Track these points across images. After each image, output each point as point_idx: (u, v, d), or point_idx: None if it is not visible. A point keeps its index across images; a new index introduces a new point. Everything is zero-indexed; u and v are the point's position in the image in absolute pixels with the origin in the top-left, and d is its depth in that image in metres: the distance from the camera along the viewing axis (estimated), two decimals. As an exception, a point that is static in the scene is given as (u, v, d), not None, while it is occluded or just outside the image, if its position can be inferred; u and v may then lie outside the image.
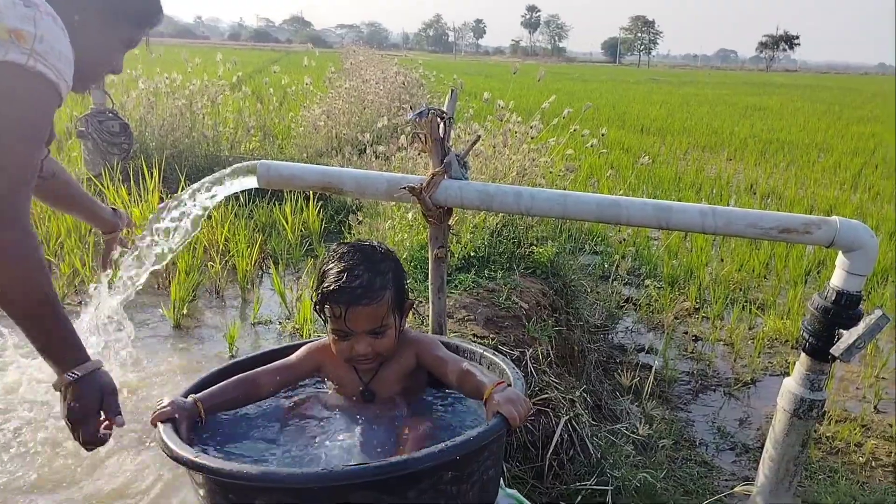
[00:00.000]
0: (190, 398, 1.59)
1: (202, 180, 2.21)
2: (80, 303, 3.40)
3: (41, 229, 4.02)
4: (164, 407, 1.51)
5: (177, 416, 1.50)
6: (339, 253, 1.69)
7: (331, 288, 1.61)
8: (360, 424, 1.56)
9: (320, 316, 1.70)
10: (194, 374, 2.55)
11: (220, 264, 3.72)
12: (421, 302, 2.89)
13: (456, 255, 3.46)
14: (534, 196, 2.10)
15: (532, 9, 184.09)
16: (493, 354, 1.74)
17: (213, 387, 1.67)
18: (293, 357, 1.80)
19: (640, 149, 11.41)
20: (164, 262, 2.35)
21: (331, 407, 1.68)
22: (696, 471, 2.93)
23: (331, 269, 1.66)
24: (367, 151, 5.06)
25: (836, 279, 1.82)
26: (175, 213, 2.30)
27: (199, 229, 2.21)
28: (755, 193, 8.62)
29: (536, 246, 3.74)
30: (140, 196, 4.36)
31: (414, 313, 1.88)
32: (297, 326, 3.16)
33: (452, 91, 2.39)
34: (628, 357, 4.06)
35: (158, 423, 1.47)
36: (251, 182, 2.23)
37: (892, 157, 11.88)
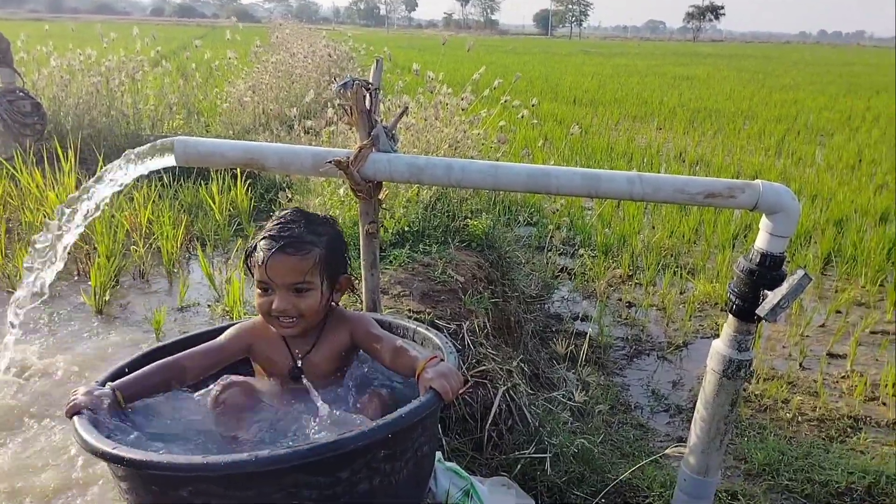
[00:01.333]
0: (107, 386, 1.51)
1: (115, 162, 2.09)
2: (-6, 292, 3.24)
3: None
4: (77, 398, 1.44)
5: (93, 406, 1.43)
6: (281, 212, 1.71)
7: (260, 237, 1.63)
8: (289, 406, 1.52)
9: (248, 271, 1.68)
10: (117, 360, 2.46)
11: (143, 247, 3.58)
12: (356, 279, 2.84)
13: (389, 231, 3.41)
14: (464, 168, 2.06)
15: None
16: (427, 329, 1.71)
17: (135, 373, 1.60)
18: (221, 338, 1.74)
19: (573, 120, 11.51)
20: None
21: (258, 391, 1.62)
22: (631, 434, 2.98)
23: (268, 224, 1.68)
24: (296, 127, 4.94)
25: (760, 241, 1.85)
26: (89, 202, 2.17)
27: (100, 211, 2.08)
28: (684, 161, 8.81)
29: (471, 219, 3.72)
30: (56, 179, 4.16)
31: (349, 291, 1.83)
32: (227, 309, 3.07)
33: (378, 60, 2.33)
34: (564, 325, 4.10)
35: (73, 416, 1.39)
36: (169, 161, 2.13)
37: (812, 123, 12.31)
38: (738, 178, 7.64)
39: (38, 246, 2.05)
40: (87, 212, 2.01)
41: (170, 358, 1.67)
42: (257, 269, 1.62)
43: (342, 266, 1.74)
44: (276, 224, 1.65)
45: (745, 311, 1.88)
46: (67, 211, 2.00)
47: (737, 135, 11.04)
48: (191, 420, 1.57)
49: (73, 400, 1.44)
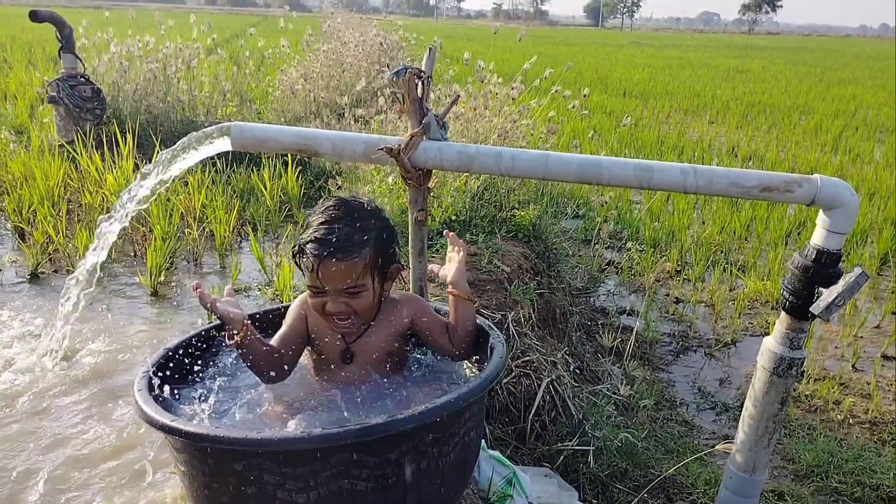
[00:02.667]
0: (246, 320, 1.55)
1: (174, 145, 2.15)
2: (55, 271, 3.35)
3: (13, 196, 3.94)
4: (219, 303, 1.51)
5: (222, 313, 1.50)
6: (325, 206, 1.65)
7: (306, 240, 1.58)
8: (338, 389, 1.54)
9: (298, 268, 1.66)
10: (171, 340, 2.53)
11: (197, 231, 3.66)
12: (405, 267, 2.86)
13: (437, 219, 3.42)
14: (514, 157, 2.06)
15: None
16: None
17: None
18: (290, 324, 1.71)
19: (623, 112, 11.36)
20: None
21: (310, 384, 1.64)
22: (676, 430, 2.95)
23: (313, 220, 1.63)
24: (346, 115, 4.99)
25: (817, 237, 1.81)
26: (150, 182, 2.24)
27: (156, 194, 2.15)
28: (737, 156, 8.63)
29: (518, 209, 3.71)
30: (114, 162, 4.27)
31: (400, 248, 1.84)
32: (277, 292, 3.13)
33: (430, 49, 2.33)
34: (610, 319, 4.07)
35: (135, 390, 1.44)
36: (225, 145, 2.17)
37: (872, 120, 11.93)
38: (792, 173, 7.45)
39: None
40: (150, 192, 2.08)
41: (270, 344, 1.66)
42: (307, 274, 1.61)
43: (392, 257, 1.71)
44: (322, 223, 1.60)
45: (799, 309, 1.85)
46: (137, 187, 2.08)
47: (792, 130, 10.76)
48: (245, 405, 1.60)
49: (214, 300, 1.50)
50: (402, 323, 1.70)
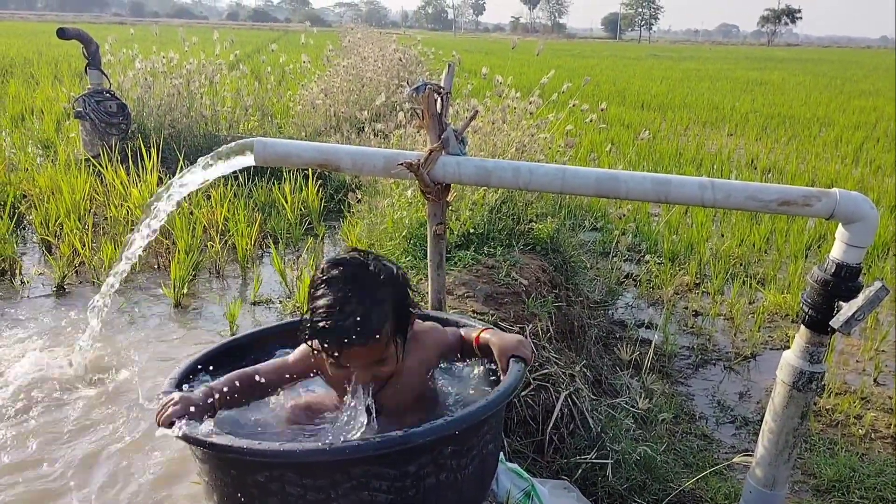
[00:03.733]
0: (200, 392, 1.48)
1: (199, 160, 2.20)
2: (81, 283, 3.41)
3: (40, 210, 4.02)
4: (170, 409, 1.40)
5: (186, 415, 1.39)
6: (330, 277, 1.46)
7: (320, 326, 1.40)
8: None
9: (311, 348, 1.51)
10: (194, 350, 2.57)
11: (219, 244, 3.71)
12: (421, 279, 2.89)
13: (455, 232, 3.45)
14: (532, 171, 2.09)
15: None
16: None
17: (221, 382, 1.55)
18: (291, 358, 1.66)
19: (641, 125, 11.35)
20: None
21: (325, 409, 1.60)
22: (695, 444, 2.94)
23: (320, 297, 1.44)
24: (366, 129, 5.04)
25: (836, 251, 1.81)
26: (174, 194, 2.29)
27: (179, 206, 2.19)
28: (756, 168, 8.58)
29: (536, 222, 3.73)
30: (139, 176, 4.35)
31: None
32: (297, 305, 3.16)
33: (450, 66, 2.37)
34: (628, 332, 4.06)
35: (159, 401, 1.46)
36: (248, 160, 2.22)
37: (892, 131, 11.82)
38: (812, 186, 7.36)
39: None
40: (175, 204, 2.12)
41: (249, 369, 1.62)
42: (326, 358, 1.48)
43: (409, 313, 1.57)
44: (333, 305, 1.41)
45: (819, 323, 1.85)
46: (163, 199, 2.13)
47: (812, 142, 10.68)
48: (264, 421, 1.61)
49: (167, 411, 1.40)
50: (432, 362, 1.62)
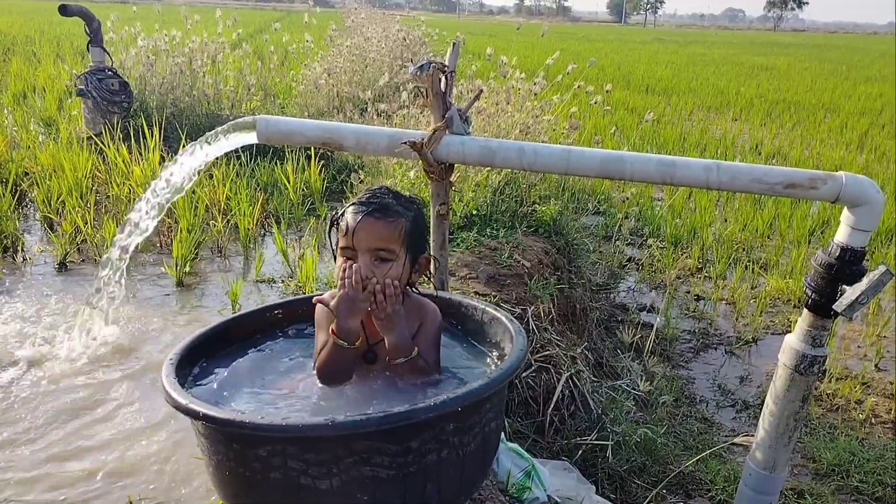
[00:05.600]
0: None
1: (202, 137, 2.19)
2: (83, 261, 3.41)
3: (42, 187, 4.01)
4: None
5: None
6: (371, 188, 1.72)
7: (350, 203, 1.64)
8: (361, 385, 1.56)
9: (331, 242, 1.70)
10: (196, 328, 2.58)
11: (221, 223, 3.71)
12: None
13: (458, 214, 3.44)
14: (537, 151, 2.07)
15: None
16: (495, 310, 1.73)
17: None
18: (319, 335, 1.69)
19: (645, 109, 11.30)
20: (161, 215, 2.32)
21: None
22: (696, 427, 2.95)
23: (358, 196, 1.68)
24: (369, 109, 5.02)
25: (841, 235, 1.80)
26: (176, 171, 2.28)
27: (191, 183, 2.19)
28: (760, 153, 8.56)
29: (539, 204, 3.72)
30: (141, 154, 4.33)
31: (426, 273, 1.82)
32: (299, 284, 3.16)
33: (454, 44, 2.35)
34: (630, 316, 4.07)
35: (163, 375, 1.46)
36: (250, 138, 2.20)
37: (899, 118, 11.75)
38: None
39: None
40: (180, 181, 2.12)
41: None
42: (342, 237, 1.62)
43: (423, 245, 1.72)
44: (366, 194, 1.66)
45: (822, 306, 1.84)
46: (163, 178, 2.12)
47: (817, 128, 10.64)
48: (263, 390, 1.62)
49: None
50: (413, 326, 1.66)
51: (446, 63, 2.24)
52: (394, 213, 1.61)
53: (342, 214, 1.64)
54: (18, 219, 3.78)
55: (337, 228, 1.66)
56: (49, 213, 3.86)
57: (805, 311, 1.89)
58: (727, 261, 4.83)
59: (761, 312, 4.20)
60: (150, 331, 2.74)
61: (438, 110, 2.18)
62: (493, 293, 2.78)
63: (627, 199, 5.63)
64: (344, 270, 1.54)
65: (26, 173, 4.38)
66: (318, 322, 1.71)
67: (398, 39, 8.71)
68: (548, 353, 2.61)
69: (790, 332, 1.93)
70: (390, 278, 1.58)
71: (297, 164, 4.62)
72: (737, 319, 4.16)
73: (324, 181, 4.68)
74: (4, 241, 3.49)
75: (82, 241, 3.56)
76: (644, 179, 2.06)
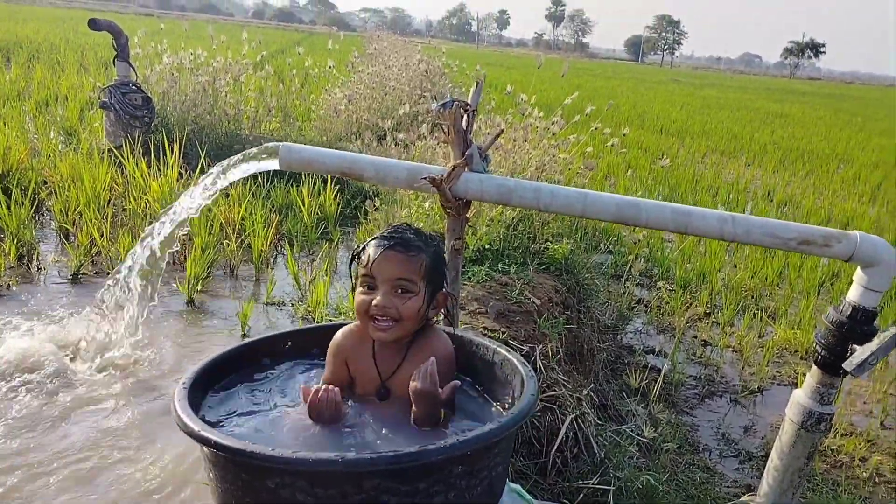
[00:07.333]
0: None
1: (226, 160, 2.22)
2: (97, 273, 3.44)
3: (60, 197, 4.06)
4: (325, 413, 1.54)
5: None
6: (392, 224, 1.77)
7: (372, 237, 1.69)
8: (372, 423, 1.56)
9: (352, 274, 1.71)
10: (205, 348, 2.60)
11: (235, 243, 3.74)
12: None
13: (470, 247, 3.46)
14: (553, 193, 2.10)
15: (557, 2, 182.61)
16: (507, 351, 1.73)
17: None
18: (329, 370, 1.73)
19: (659, 149, 11.36)
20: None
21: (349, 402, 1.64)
22: (698, 476, 2.93)
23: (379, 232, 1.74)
24: (388, 138, 5.07)
25: (853, 294, 1.82)
26: (197, 195, 2.31)
27: (206, 203, 2.22)
28: (772, 201, 8.57)
29: (551, 242, 3.74)
30: (159, 170, 4.38)
31: (442, 310, 1.84)
32: (309, 309, 3.18)
33: (477, 83, 2.39)
34: (636, 358, 4.05)
35: (174, 400, 1.47)
36: (272, 164, 2.24)
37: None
38: (828, 223, 7.33)
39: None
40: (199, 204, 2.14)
41: None
42: (363, 269, 1.65)
43: (441, 282, 1.75)
44: (388, 229, 1.71)
45: (831, 364, 1.85)
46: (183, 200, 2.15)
47: (830, 178, 10.65)
48: (281, 427, 1.62)
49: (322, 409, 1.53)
50: (441, 368, 1.60)
51: (469, 101, 2.27)
52: (415, 248, 1.65)
53: (364, 247, 1.68)
54: (35, 227, 3.82)
55: (357, 261, 1.69)
56: (65, 223, 3.90)
57: (814, 367, 1.90)
58: (735, 307, 4.83)
59: (768, 362, 4.18)
60: (157, 347, 2.75)
61: (459, 147, 2.21)
62: (503, 329, 2.79)
63: (639, 240, 5.64)
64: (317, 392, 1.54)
65: (45, 182, 4.43)
66: (328, 357, 1.74)
67: (419, 69, 8.81)
68: (554, 393, 2.61)
69: (797, 383, 1.94)
70: (408, 310, 1.62)
71: (313, 187, 4.66)
72: (743, 368, 4.15)
73: (338, 206, 4.72)
74: (21, 249, 3.52)
75: (97, 253, 3.59)
76: (659, 227, 2.08)
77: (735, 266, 5.83)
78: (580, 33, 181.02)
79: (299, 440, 1.52)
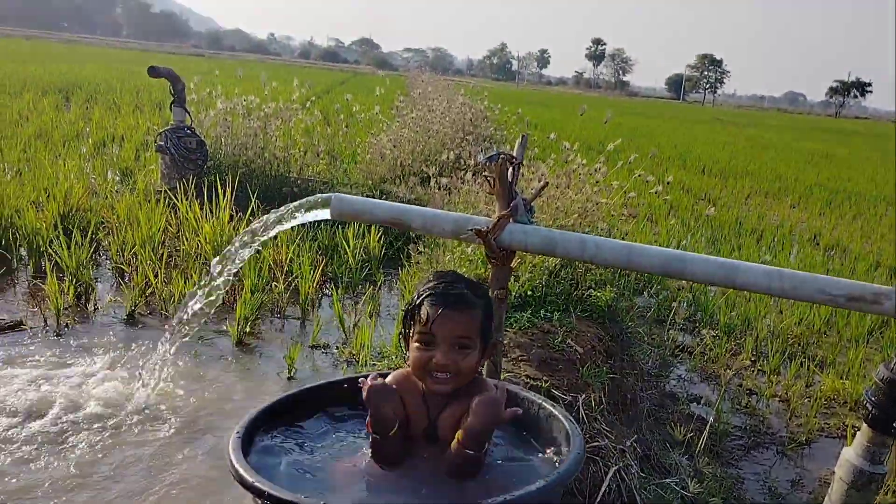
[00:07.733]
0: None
1: (281, 209, 2.31)
2: (150, 313, 3.55)
3: (117, 238, 4.21)
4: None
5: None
6: (439, 273, 1.77)
7: (428, 292, 1.67)
8: (420, 476, 1.59)
9: (406, 330, 1.72)
10: (254, 391, 2.66)
11: (283, 285, 3.83)
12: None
13: (513, 294, 3.49)
14: (598, 245, 2.13)
15: (597, 41, 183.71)
16: (553, 406, 1.75)
17: None
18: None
19: (701, 190, 11.27)
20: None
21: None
22: (745, 532, 2.87)
23: (429, 282, 1.72)
24: (432, 183, 5.16)
25: (905, 353, 1.80)
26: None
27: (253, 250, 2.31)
28: (818, 244, 8.42)
29: (594, 289, 3.75)
30: (212, 212, 4.52)
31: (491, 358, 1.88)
32: (353, 352, 3.23)
33: (523, 137, 2.45)
34: (679, 406, 4.00)
35: (229, 450, 1.52)
36: (324, 214, 2.32)
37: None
38: (877, 268, 7.15)
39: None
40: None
41: None
42: (421, 325, 1.65)
43: (493, 330, 1.79)
44: (441, 283, 1.70)
45: (883, 422, 1.82)
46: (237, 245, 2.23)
47: (878, 221, 10.43)
48: (333, 476, 1.66)
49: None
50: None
51: (514, 154, 2.33)
52: (471, 305, 1.67)
53: (420, 304, 1.68)
54: (92, 267, 3.97)
55: (412, 317, 1.70)
56: (121, 263, 4.04)
57: (864, 425, 1.87)
58: (782, 355, 4.74)
59: (816, 413, 4.09)
60: (207, 389, 2.82)
61: (504, 199, 2.26)
62: (545, 377, 2.80)
63: (682, 287, 5.59)
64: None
65: (102, 222, 4.61)
66: None
67: (462, 113, 8.94)
68: (597, 443, 2.60)
69: (845, 436, 1.91)
70: (468, 366, 1.66)
71: (358, 229, 4.75)
72: (790, 418, 4.06)
73: (382, 247, 4.80)
74: (79, 289, 3.66)
75: (151, 293, 3.71)
76: (705, 282, 2.10)
77: (781, 312, 5.73)
78: (621, 72, 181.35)
79: (352, 491, 1.56)
